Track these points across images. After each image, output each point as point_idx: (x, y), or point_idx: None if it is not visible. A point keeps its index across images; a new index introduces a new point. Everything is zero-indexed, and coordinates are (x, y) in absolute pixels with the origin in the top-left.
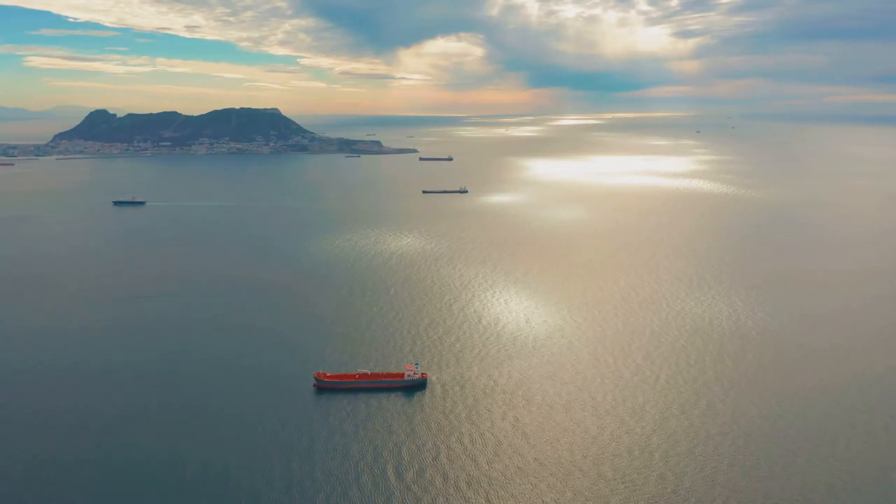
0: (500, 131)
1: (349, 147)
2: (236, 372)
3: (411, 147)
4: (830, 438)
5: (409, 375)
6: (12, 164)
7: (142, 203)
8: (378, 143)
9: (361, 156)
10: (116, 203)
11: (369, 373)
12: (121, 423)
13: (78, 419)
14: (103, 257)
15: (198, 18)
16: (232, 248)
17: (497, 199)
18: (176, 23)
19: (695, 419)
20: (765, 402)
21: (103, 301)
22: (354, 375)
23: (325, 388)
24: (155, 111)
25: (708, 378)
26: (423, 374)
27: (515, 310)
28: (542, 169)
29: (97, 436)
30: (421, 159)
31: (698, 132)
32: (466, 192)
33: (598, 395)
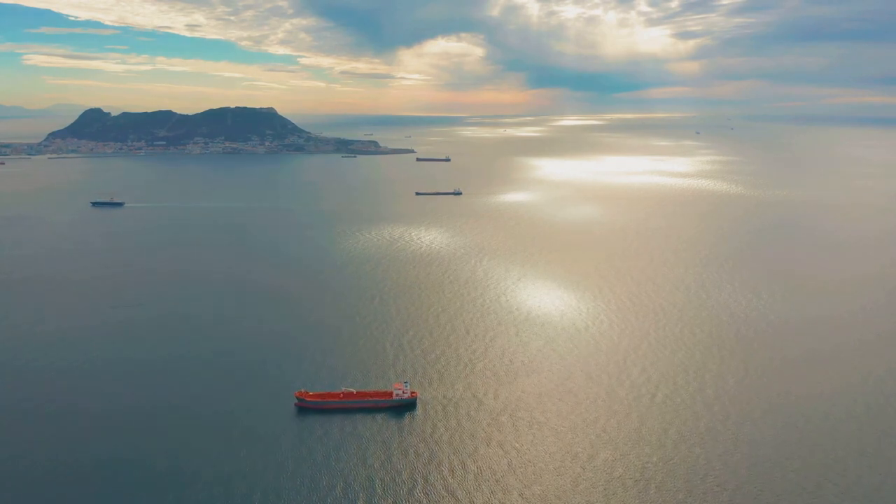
0: (500, 132)
1: (346, 147)
2: (212, 391)
3: (408, 147)
4: (840, 468)
5: (397, 395)
6: (2, 164)
7: (120, 204)
8: (375, 143)
9: (358, 156)
10: (94, 204)
11: (355, 392)
12: (78, 442)
13: (47, 421)
14: (73, 262)
15: (199, 17)
16: (210, 252)
17: (491, 200)
18: (177, 21)
19: (694, 444)
20: (768, 426)
21: (68, 308)
22: (339, 394)
23: (307, 408)
24: (152, 110)
25: (707, 396)
26: (412, 392)
27: (509, 321)
28: (542, 170)
29: (65, 440)
30: (418, 160)
31: (698, 133)
32: (460, 193)
33: (590, 416)
